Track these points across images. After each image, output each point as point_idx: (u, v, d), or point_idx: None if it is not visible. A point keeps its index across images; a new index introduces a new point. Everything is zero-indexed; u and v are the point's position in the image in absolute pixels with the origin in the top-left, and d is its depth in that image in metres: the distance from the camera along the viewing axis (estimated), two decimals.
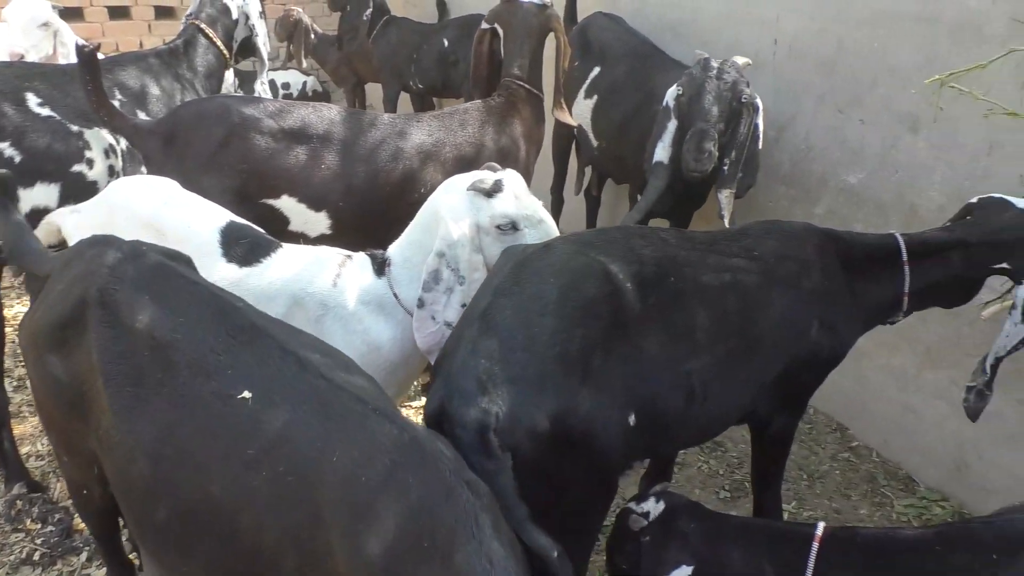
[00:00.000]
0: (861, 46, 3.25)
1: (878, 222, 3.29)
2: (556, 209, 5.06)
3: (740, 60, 3.09)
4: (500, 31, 3.33)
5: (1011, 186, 2.78)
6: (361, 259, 2.37)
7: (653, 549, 1.95)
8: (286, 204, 2.95)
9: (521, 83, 3.28)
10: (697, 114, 2.96)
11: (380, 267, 2.34)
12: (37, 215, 2.79)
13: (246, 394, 1.55)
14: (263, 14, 3.92)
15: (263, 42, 3.85)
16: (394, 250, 2.37)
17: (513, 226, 2.16)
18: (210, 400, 1.56)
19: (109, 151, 3.05)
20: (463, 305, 2.12)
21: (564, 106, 3.43)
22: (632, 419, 1.80)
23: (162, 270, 1.78)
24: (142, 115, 3.21)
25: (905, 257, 2.19)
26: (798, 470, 3.53)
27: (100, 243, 1.86)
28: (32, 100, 2.86)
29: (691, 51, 4.11)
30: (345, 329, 2.26)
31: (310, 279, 2.30)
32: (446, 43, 6.02)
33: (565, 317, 1.73)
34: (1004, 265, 2.13)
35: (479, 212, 2.17)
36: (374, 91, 7.61)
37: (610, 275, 1.82)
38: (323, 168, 2.95)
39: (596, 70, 4.13)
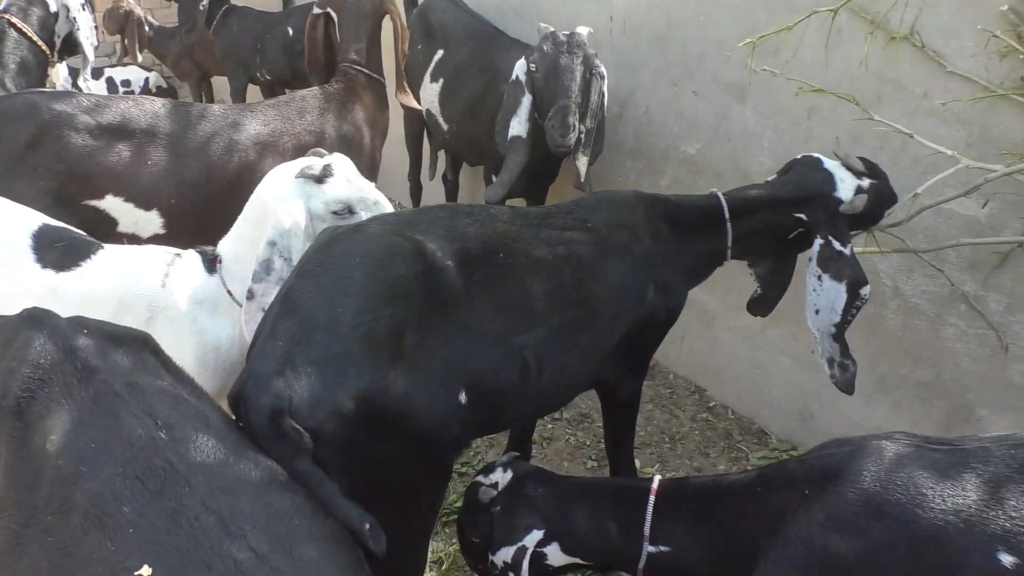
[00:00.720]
0: (689, 20, 3.36)
1: (716, 188, 3.42)
2: (415, 195, 5.02)
3: (583, 30, 3.13)
4: (334, 16, 3.24)
5: (830, 147, 2.95)
6: (191, 257, 2.26)
7: (504, 517, 1.97)
8: (112, 204, 2.77)
9: (360, 68, 3.21)
10: (557, 90, 2.98)
11: (211, 264, 2.24)
12: None
13: (144, 571, 1.18)
14: (87, 5, 3.65)
15: (86, 36, 3.59)
16: (224, 245, 2.27)
17: (349, 210, 2.12)
18: (98, 571, 1.19)
19: None
20: None
21: (407, 90, 3.38)
22: (463, 397, 1.80)
23: (89, 372, 1.44)
24: None
25: (727, 215, 2.29)
26: (660, 433, 3.66)
27: (31, 326, 1.54)
28: None
29: (532, 31, 4.16)
30: (177, 331, 2.15)
31: (136, 280, 2.17)
32: (291, 32, 5.83)
33: (371, 296, 1.71)
34: (802, 216, 2.26)
35: (311, 199, 2.11)
36: (224, 85, 7.29)
37: (425, 253, 1.80)
38: (150, 164, 2.79)
39: (440, 53, 4.09)
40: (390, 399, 1.68)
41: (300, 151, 3.02)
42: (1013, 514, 1.49)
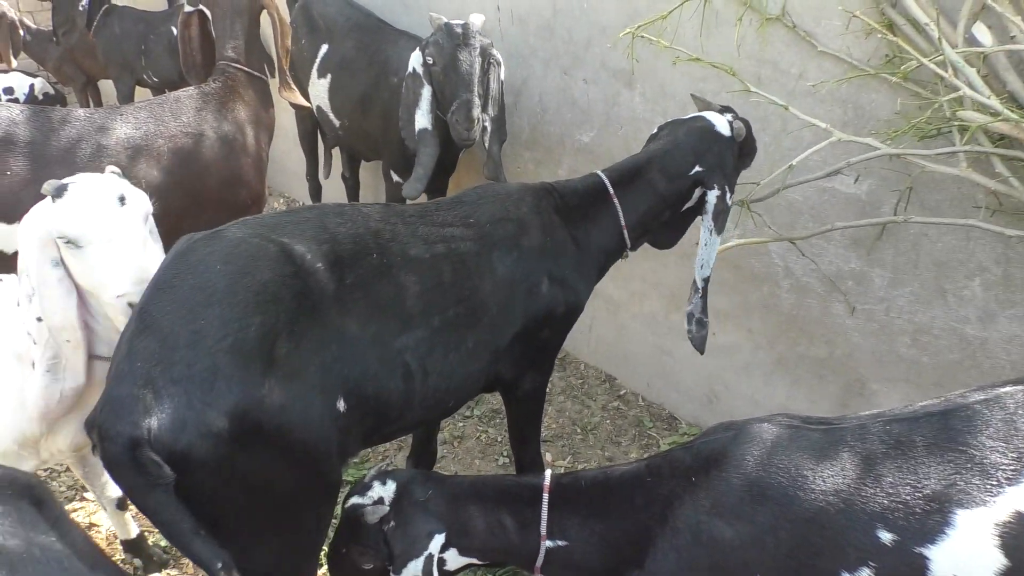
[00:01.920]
0: (573, 8, 3.34)
1: None
2: (315, 195, 4.88)
3: (477, 19, 3.07)
4: (208, 13, 3.09)
5: None
6: (9, 284, 2.07)
7: (401, 530, 1.87)
8: None
9: (238, 66, 3.07)
10: (458, 84, 2.92)
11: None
12: None
13: None
14: None
15: None
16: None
17: (71, 242, 1.81)
18: None
19: None
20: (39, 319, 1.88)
21: (292, 86, 3.25)
22: (341, 405, 1.71)
23: None
24: None
25: (611, 190, 2.26)
26: (572, 425, 3.64)
27: None
28: None
29: (421, 22, 4.08)
30: None
31: None
32: (175, 31, 5.58)
33: (237, 304, 1.58)
34: (698, 169, 2.25)
35: (48, 219, 1.84)
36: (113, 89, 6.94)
37: (292, 256, 1.70)
38: (9, 175, 2.59)
39: (325, 48, 3.97)
40: (265, 413, 1.57)
41: (177, 153, 2.88)
42: (890, 491, 1.51)
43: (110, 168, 2.01)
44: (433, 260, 1.90)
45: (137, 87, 6.07)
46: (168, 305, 1.59)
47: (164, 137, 2.85)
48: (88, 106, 6.79)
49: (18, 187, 2.60)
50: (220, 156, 2.96)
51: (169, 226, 2.16)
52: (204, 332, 1.54)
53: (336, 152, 4.69)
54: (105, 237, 1.82)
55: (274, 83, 3.27)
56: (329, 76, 3.91)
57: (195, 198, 2.92)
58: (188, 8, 3.09)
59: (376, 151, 3.95)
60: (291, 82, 3.25)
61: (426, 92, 3.04)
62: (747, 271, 3.07)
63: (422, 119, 3.06)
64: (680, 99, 3.05)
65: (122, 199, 1.89)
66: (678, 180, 2.28)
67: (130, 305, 1.79)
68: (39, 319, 1.89)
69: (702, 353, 2.44)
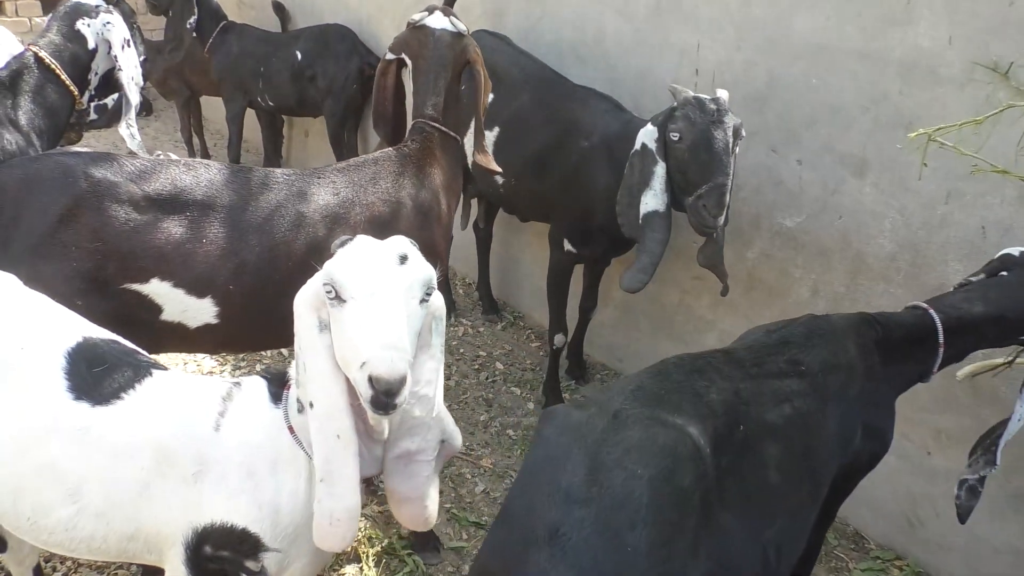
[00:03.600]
0: (796, 82, 3.04)
1: (819, 267, 3.11)
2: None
3: (723, 94, 2.77)
4: (408, 62, 2.81)
5: (971, 236, 2.66)
6: (253, 386, 1.77)
7: None
8: (158, 290, 2.29)
9: (436, 125, 2.78)
10: (711, 166, 2.62)
11: (278, 393, 1.75)
12: None
13: None
14: (132, 42, 3.14)
15: (130, 77, 3.07)
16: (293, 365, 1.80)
17: (337, 295, 1.55)
18: None
19: None
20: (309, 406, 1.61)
21: (487, 151, 2.97)
22: None
23: None
24: None
25: (941, 338, 1.96)
26: None
27: None
28: None
29: (596, 76, 3.80)
30: (228, 488, 1.66)
31: (184, 422, 1.70)
32: (299, 56, 5.35)
33: (662, 525, 1.30)
34: None
35: (322, 271, 1.60)
36: (213, 105, 6.74)
37: (697, 450, 1.40)
38: (205, 243, 2.32)
39: (490, 98, 3.69)
40: None
41: (373, 223, 2.59)
42: None
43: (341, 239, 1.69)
44: (785, 426, 1.60)
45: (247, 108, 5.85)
46: (587, 527, 1.30)
47: (362, 205, 2.57)
48: (188, 121, 6.58)
49: (215, 256, 2.33)
50: (415, 227, 2.67)
51: None
52: (632, 564, 1.26)
53: (473, 202, 4.42)
54: (367, 290, 1.52)
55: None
56: (496, 129, 3.63)
57: None
58: (389, 55, 2.80)
59: (544, 215, 3.66)
60: (485, 145, 2.96)
61: (660, 171, 2.74)
62: (987, 393, 2.73)
63: (652, 201, 2.75)
64: (926, 197, 2.74)
65: (403, 258, 1.59)
66: (1012, 341, 1.97)
67: (372, 380, 1.45)
68: (311, 404, 1.60)
69: (963, 523, 2.16)
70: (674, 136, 2.68)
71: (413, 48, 2.79)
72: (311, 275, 2.46)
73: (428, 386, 1.65)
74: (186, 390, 1.74)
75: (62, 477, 1.68)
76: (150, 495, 1.68)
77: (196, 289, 2.32)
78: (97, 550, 1.76)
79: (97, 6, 3.12)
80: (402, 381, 1.44)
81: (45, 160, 2.27)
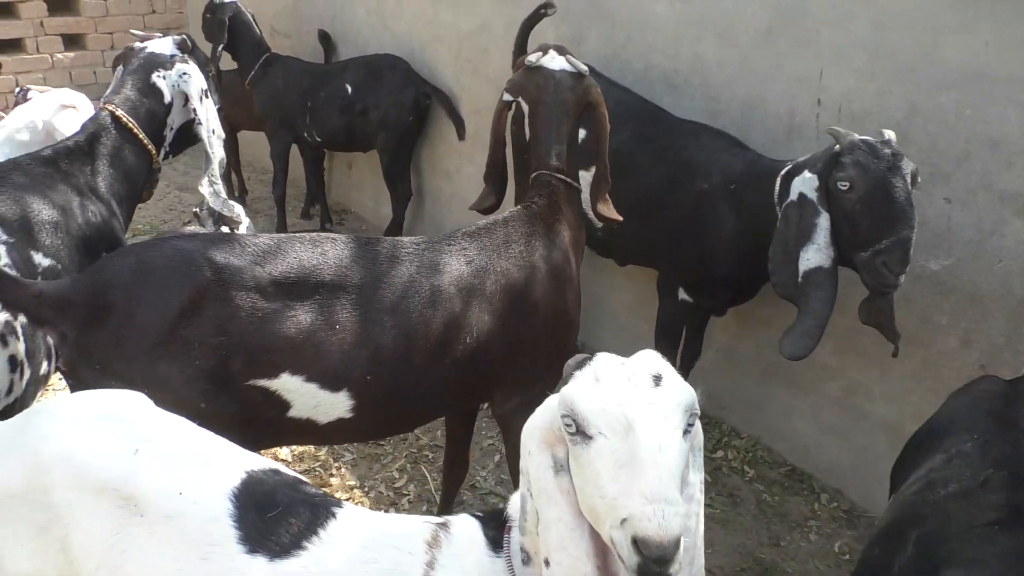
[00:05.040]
0: (944, 113, 2.77)
1: (972, 315, 2.83)
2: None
3: (890, 135, 2.49)
4: (524, 106, 2.55)
5: None
6: (464, 529, 1.49)
7: None
8: (288, 385, 2.02)
9: (561, 177, 2.51)
10: (892, 216, 2.35)
11: (497, 537, 1.47)
12: None
13: None
14: (210, 92, 2.89)
15: (211, 129, 2.82)
16: (515, 502, 1.53)
17: (577, 427, 1.26)
18: None
19: (7, 334, 1.97)
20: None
21: (608, 199, 2.70)
22: None
23: None
24: (37, 259, 2.14)
25: None
26: None
27: None
28: None
29: (692, 107, 3.53)
30: None
31: (387, 574, 1.43)
32: (350, 89, 5.08)
33: None
34: None
35: (557, 400, 1.33)
36: (253, 140, 6.46)
37: None
38: (338, 329, 2.04)
39: (583, 133, 3.42)
40: None
41: (508, 293, 2.33)
42: None
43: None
44: None
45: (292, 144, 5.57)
46: None
47: (496, 273, 2.31)
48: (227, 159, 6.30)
49: (349, 345, 2.05)
50: (550, 291, 2.41)
51: None
52: None
53: None
54: (621, 425, 1.23)
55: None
56: (594, 169, 3.35)
57: (517, 345, 2.36)
58: (507, 97, 2.53)
59: (649, 259, 3.39)
60: (607, 194, 2.69)
61: (823, 223, 2.46)
62: None
63: (816, 256, 2.48)
64: None
65: (657, 379, 1.29)
66: None
67: (638, 543, 1.17)
68: (546, 562, 1.31)
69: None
70: (843, 185, 2.41)
71: (531, 92, 2.53)
72: (449, 357, 2.21)
73: (690, 536, 1.36)
74: (382, 536, 1.46)
75: None
76: None
77: (330, 382, 2.04)
78: None
79: (172, 56, 2.87)
80: (676, 544, 1.15)
81: (160, 246, 1.99)
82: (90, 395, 1.62)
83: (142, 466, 1.48)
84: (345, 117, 5.13)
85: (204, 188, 2.83)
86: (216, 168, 2.83)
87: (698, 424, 1.36)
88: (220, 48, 5.30)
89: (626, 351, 1.41)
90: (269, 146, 5.56)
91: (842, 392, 3.32)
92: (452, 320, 2.19)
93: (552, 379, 2.53)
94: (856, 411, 3.28)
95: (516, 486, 1.54)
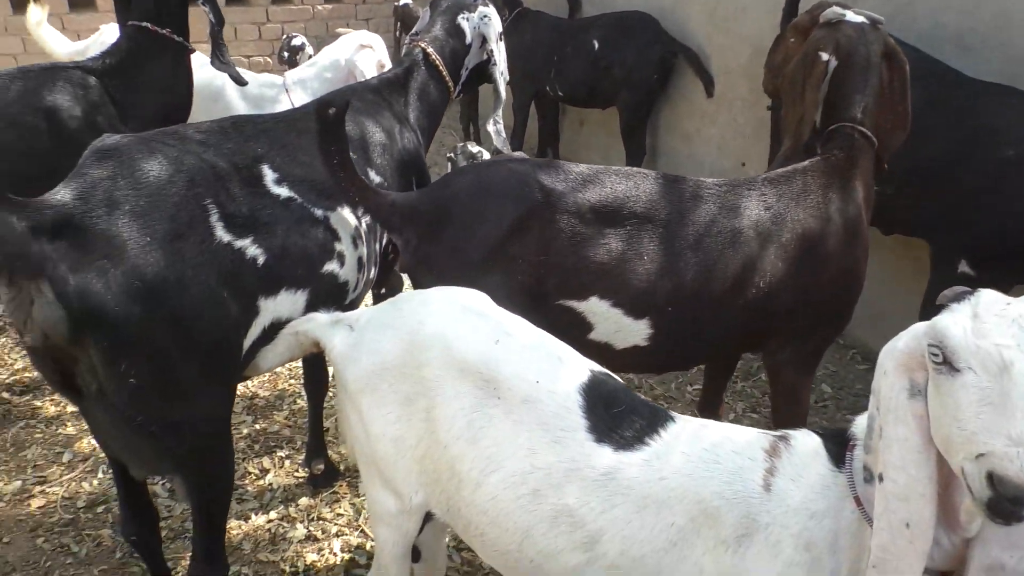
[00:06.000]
0: None
1: None
2: None
3: None
4: (831, 61, 2.50)
5: None
6: (805, 442, 1.54)
7: None
8: (595, 308, 2.15)
9: (863, 130, 2.46)
10: None
11: (839, 453, 1.50)
12: (277, 329, 2.01)
13: None
14: (503, 35, 3.09)
15: (501, 72, 3.03)
16: (860, 422, 1.55)
17: (945, 359, 1.25)
18: None
19: (356, 238, 2.24)
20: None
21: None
22: None
23: None
24: (372, 175, 2.39)
25: None
26: None
27: None
28: (268, 176, 2.04)
29: (988, 69, 3.30)
30: (780, 562, 1.43)
31: (728, 478, 1.49)
32: (596, 45, 5.17)
33: None
34: None
35: (925, 328, 1.32)
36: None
37: None
38: (646, 260, 2.14)
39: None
40: None
41: (801, 241, 2.32)
42: None
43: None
44: None
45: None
46: None
47: (792, 221, 2.31)
48: (466, 107, 6.62)
49: (655, 275, 2.14)
50: (842, 244, 2.37)
51: None
52: None
53: None
54: (996, 365, 1.20)
55: None
56: None
57: (803, 295, 2.36)
58: (823, 55, 2.49)
59: (930, 229, 3.22)
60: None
61: None
62: None
63: None
64: None
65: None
66: None
67: (993, 480, 1.15)
68: (880, 477, 1.34)
69: None
70: None
71: (841, 46, 2.48)
72: (742, 298, 2.26)
73: None
74: (723, 440, 1.54)
75: (579, 525, 1.55)
76: (679, 555, 1.50)
77: (635, 309, 2.15)
78: None
79: (475, 0, 3.06)
80: None
81: (498, 167, 2.17)
82: (455, 290, 1.81)
83: (502, 355, 1.65)
84: (589, 72, 5.23)
85: (490, 127, 3.02)
86: (500, 110, 3.01)
87: None
88: None
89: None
90: (512, 99, 5.78)
91: None
92: (748, 262, 2.23)
93: (828, 335, 2.53)
94: None
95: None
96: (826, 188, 2.39)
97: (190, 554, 2.17)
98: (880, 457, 1.36)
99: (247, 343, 1.99)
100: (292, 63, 5.46)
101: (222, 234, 1.87)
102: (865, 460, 1.43)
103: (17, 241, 1.54)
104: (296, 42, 5.88)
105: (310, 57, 5.23)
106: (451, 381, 1.65)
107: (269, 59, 7.61)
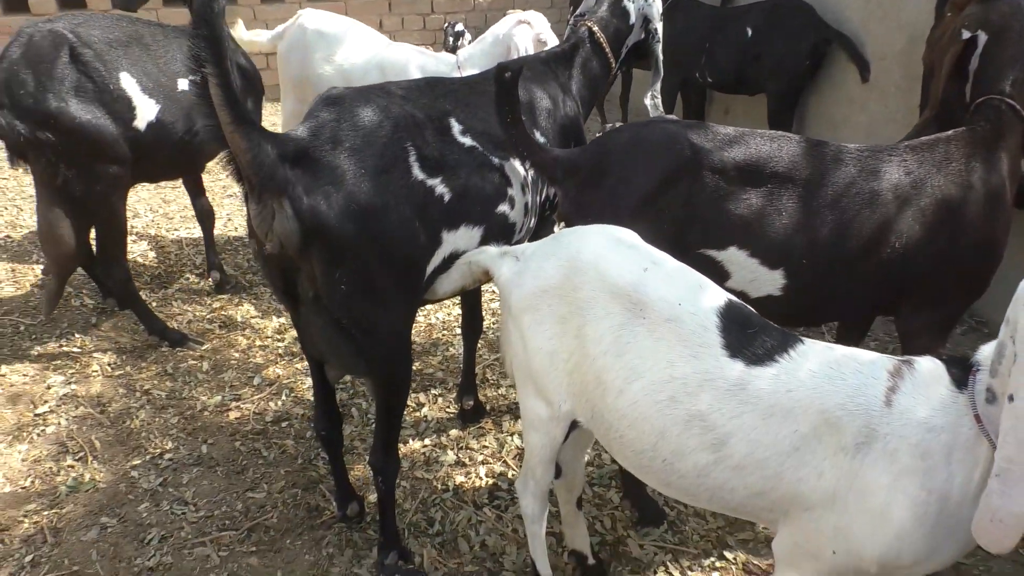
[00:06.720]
0: None
1: None
2: None
3: None
4: (982, 37, 2.58)
5: None
6: (929, 366, 1.71)
7: None
8: (733, 257, 2.36)
9: (1011, 103, 2.53)
10: None
11: (961, 377, 1.66)
12: (453, 259, 2.36)
13: None
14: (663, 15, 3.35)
15: (662, 50, 3.28)
16: (986, 350, 1.65)
17: None
18: None
19: (524, 186, 2.57)
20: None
21: None
22: None
23: None
24: (537, 135, 2.71)
25: None
26: None
27: None
28: (455, 127, 2.40)
29: None
30: (896, 468, 1.61)
31: (851, 391, 1.68)
32: (750, 32, 5.28)
33: None
34: None
35: None
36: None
37: None
38: (784, 215, 2.34)
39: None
40: None
41: (941, 208, 2.43)
42: None
43: None
44: None
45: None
46: None
47: (932, 187, 2.42)
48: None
49: (791, 229, 2.34)
50: (982, 214, 2.46)
51: None
52: None
53: None
54: None
55: None
56: None
57: (940, 262, 2.46)
58: (966, 34, 2.60)
59: None
60: None
61: None
62: None
63: None
64: None
65: None
66: None
67: None
68: (1010, 397, 1.48)
69: None
70: None
71: (995, 22, 2.56)
72: (876, 258, 2.40)
73: None
74: (848, 360, 1.74)
75: (709, 428, 1.76)
76: (800, 459, 1.70)
77: (771, 260, 2.35)
78: (718, 500, 1.84)
79: None
80: None
81: (652, 126, 2.43)
82: (610, 227, 2.08)
83: (650, 280, 1.90)
84: (740, 60, 5.35)
85: (648, 100, 3.26)
86: (659, 85, 3.24)
87: None
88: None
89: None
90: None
91: None
92: (884, 224, 2.37)
93: (962, 303, 2.61)
94: None
95: None
96: (969, 157, 2.48)
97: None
98: (1012, 379, 1.48)
99: (429, 269, 2.34)
100: (454, 48, 5.91)
101: (418, 172, 2.23)
102: (990, 383, 1.56)
103: (270, 165, 1.95)
104: (458, 28, 6.36)
105: (470, 42, 5.66)
106: (602, 302, 1.92)
107: (431, 48, 8.16)
